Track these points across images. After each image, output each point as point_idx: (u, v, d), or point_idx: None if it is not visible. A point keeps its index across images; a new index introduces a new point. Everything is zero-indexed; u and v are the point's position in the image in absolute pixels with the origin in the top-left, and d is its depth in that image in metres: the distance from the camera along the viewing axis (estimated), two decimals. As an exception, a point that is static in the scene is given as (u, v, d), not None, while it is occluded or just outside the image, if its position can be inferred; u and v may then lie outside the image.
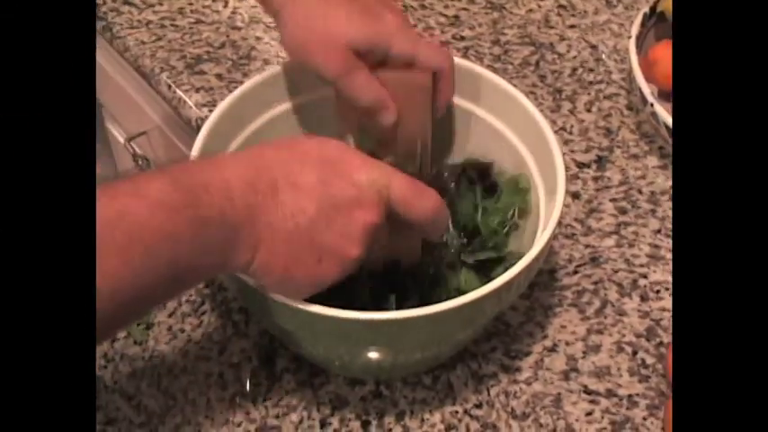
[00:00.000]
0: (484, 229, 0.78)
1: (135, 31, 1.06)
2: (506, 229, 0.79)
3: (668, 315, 0.81)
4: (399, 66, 0.73)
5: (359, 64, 0.71)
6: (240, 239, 0.58)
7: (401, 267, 0.74)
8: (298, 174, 0.60)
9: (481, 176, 0.81)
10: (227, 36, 1.06)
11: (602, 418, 0.75)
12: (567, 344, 0.79)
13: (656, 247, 0.86)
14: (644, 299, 0.82)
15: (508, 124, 0.79)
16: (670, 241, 0.86)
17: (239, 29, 1.06)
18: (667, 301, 0.82)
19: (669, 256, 0.85)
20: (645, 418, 0.75)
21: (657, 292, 0.83)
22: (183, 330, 0.80)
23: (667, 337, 0.80)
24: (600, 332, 0.80)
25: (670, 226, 0.88)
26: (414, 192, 0.64)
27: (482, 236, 0.78)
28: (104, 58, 1.16)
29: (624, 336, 0.80)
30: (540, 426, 0.74)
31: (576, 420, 0.75)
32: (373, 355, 0.70)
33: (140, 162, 1.17)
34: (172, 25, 1.07)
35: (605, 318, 0.81)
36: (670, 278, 0.84)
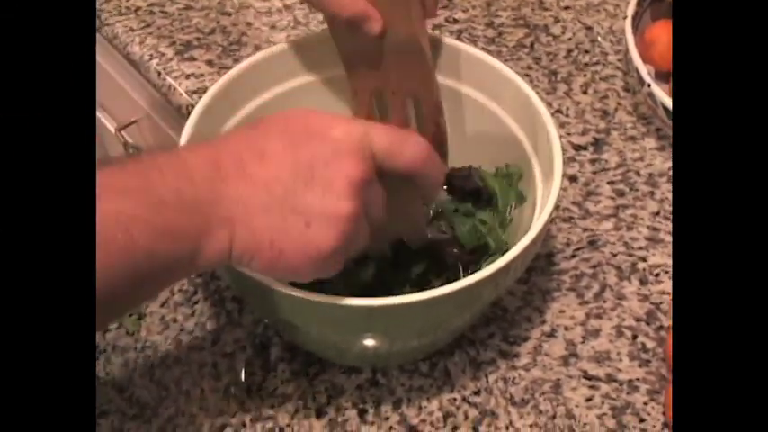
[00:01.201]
0: (495, 244, 0.77)
1: (123, 18, 1.04)
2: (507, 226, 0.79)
3: (668, 298, 0.80)
4: None
5: None
6: (209, 223, 0.54)
7: (405, 246, 0.71)
8: (264, 144, 0.56)
9: (473, 195, 0.80)
10: (217, 22, 1.04)
11: (603, 403, 0.74)
12: (566, 329, 0.78)
13: (655, 229, 0.85)
14: (643, 282, 0.81)
15: (504, 107, 0.78)
16: (669, 224, 0.85)
17: (229, 14, 1.05)
18: (667, 285, 0.81)
19: (668, 238, 0.84)
20: (645, 403, 0.74)
21: (657, 275, 0.82)
22: (175, 320, 0.79)
23: (667, 321, 0.79)
24: (599, 316, 0.79)
25: (669, 208, 0.87)
26: (397, 137, 0.60)
27: (491, 249, 0.77)
28: (93, 46, 1.15)
29: (624, 320, 0.79)
30: (540, 412, 0.73)
31: (576, 406, 0.74)
32: (369, 342, 0.69)
33: (131, 151, 1.16)
34: (161, 12, 1.05)
35: (604, 302, 0.80)
36: (669, 261, 0.83)
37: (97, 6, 1.05)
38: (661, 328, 0.78)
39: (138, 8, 1.06)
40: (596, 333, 0.78)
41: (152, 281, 0.54)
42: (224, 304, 0.80)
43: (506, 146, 0.78)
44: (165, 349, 0.77)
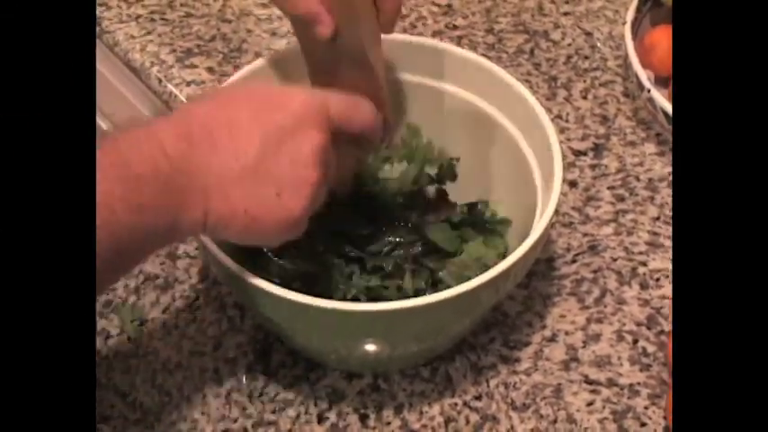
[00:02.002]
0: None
1: (124, 26, 1.05)
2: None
3: (668, 303, 0.80)
4: None
5: None
6: (185, 196, 0.57)
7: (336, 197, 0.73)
8: (231, 115, 0.59)
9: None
10: (218, 29, 1.04)
11: (604, 407, 0.74)
12: (567, 333, 0.78)
13: (655, 234, 0.85)
14: (644, 287, 0.81)
15: (504, 113, 0.78)
16: (669, 228, 0.86)
17: (230, 21, 1.05)
18: (667, 289, 0.81)
19: (668, 243, 0.84)
20: (646, 408, 0.74)
21: (657, 279, 0.82)
22: (177, 326, 0.79)
23: (668, 326, 0.79)
24: (600, 321, 0.79)
25: (669, 213, 0.87)
26: (351, 104, 0.65)
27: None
28: (94, 54, 1.15)
29: (624, 324, 0.79)
30: (541, 417, 0.73)
31: (577, 411, 0.74)
32: (369, 347, 0.69)
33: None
34: (161, 19, 1.06)
35: (605, 306, 0.80)
36: (670, 266, 0.83)
37: (98, 14, 1.05)
38: (662, 332, 0.78)
39: (139, 15, 1.06)
40: (597, 338, 0.78)
41: (132, 253, 0.57)
42: (225, 310, 0.80)
43: (506, 151, 0.78)
44: (167, 355, 0.77)
